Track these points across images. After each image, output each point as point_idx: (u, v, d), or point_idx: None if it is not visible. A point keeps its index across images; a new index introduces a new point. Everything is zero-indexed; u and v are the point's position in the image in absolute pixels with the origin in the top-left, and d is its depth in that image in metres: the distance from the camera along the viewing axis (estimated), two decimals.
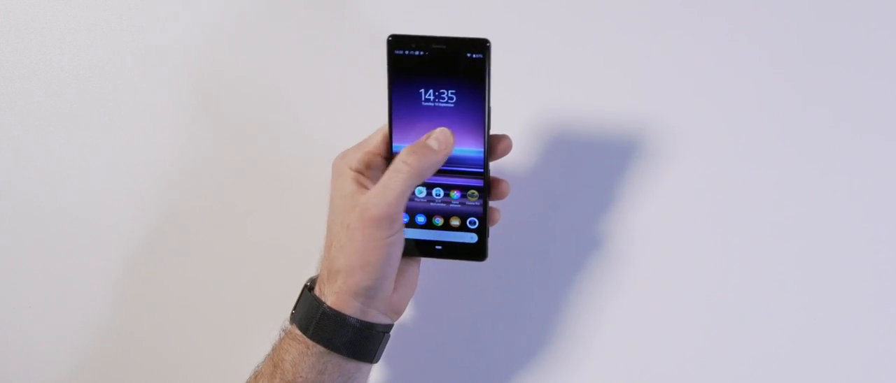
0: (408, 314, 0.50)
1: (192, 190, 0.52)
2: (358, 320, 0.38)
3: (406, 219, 0.41)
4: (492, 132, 0.41)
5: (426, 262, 0.44)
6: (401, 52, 0.38)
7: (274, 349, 0.40)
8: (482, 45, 0.38)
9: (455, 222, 0.41)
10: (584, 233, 0.50)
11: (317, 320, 0.38)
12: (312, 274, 0.42)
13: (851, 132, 0.49)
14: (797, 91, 0.49)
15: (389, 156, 0.40)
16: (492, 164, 0.42)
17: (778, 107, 0.49)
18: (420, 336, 0.51)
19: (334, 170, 0.40)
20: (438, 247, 0.42)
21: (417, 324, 0.51)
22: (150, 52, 0.51)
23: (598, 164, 0.50)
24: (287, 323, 0.41)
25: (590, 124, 0.50)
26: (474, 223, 0.41)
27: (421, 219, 0.42)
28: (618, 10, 0.50)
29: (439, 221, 0.41)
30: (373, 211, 0.36)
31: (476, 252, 0.42)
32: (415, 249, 0.42)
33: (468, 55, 0.38)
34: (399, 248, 0.38)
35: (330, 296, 0.38)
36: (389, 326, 0.41)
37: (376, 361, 0.41)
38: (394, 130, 0.40)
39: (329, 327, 0.38)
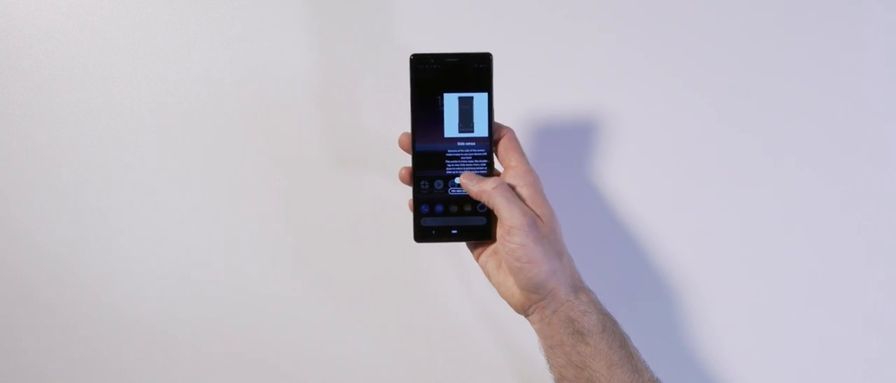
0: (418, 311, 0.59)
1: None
2: None
3: (426, 210, 0.47)
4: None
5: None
6: (421, 66, 0.46)
7: None
8: (486, 58, 0.46)
9: (468, 207, 0.47)
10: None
11: None
12: None
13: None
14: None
15: (413, 154, 0.47)
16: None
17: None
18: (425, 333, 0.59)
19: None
20: (454, 232, 0.47)
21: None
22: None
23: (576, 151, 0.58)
24: None
25: (571, 120, 0.57)
26: (483, 207, 0.47)
27: (439, 208, 0.47)
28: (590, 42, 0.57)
29: (455, 209, 0.47)
30: None
31: (485, 232, 0.47)
32: (434, 235, 0.47)
33: (475, 66, 0.46)
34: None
35: None
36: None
37: None
38: (416, 132, 0.47)
39: None
